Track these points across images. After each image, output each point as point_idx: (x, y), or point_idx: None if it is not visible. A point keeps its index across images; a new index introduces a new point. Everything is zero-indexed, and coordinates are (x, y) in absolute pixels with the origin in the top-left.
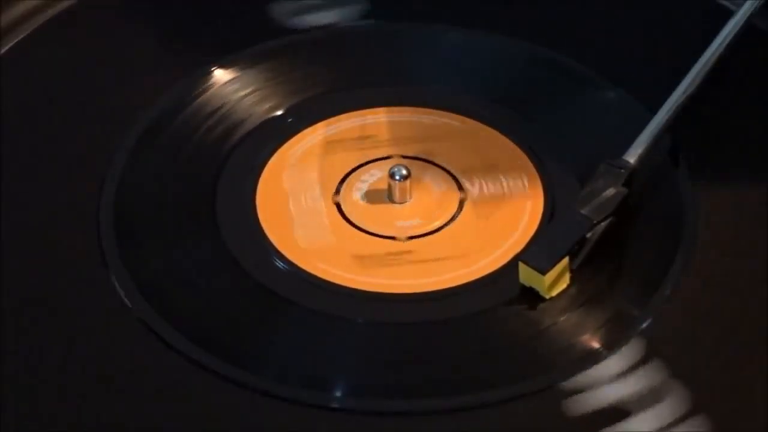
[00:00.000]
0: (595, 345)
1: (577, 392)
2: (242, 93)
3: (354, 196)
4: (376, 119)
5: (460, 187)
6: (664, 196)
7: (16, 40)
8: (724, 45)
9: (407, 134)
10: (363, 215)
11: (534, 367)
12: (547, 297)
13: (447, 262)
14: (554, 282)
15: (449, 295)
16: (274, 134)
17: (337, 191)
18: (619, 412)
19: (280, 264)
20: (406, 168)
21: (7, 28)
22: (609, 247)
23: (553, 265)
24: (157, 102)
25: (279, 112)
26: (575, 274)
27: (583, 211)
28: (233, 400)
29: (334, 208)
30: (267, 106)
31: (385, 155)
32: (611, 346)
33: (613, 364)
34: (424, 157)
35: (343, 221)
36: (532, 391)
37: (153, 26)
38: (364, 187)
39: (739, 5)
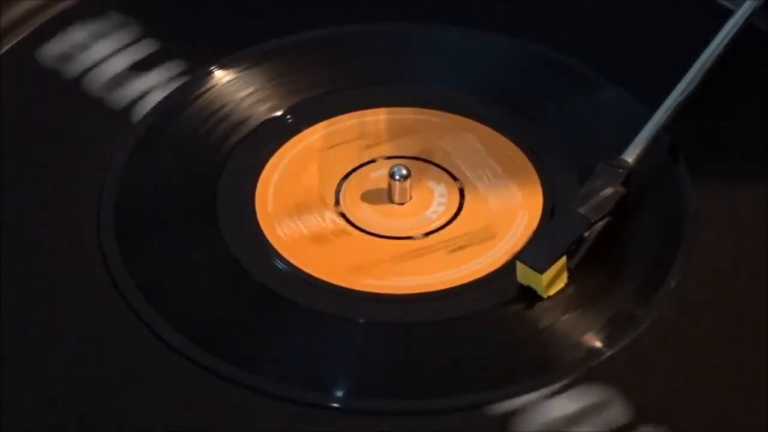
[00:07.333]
0: (596, 344)
1: (577, 392)
2: (243, 93)
3: (354, 196)
4: (376, 119)
5: (460, 187)
6: (664, 196)
7: (16, 40)
8: (724, 45)
9: (407, 134)
10: (362, 215)
11: (534, 367)
12: (545, 296)
13: (446, 262)
14: (552, 281)
15: (449, 295)
16: (274, 134)
17: (337, 191)
18: (617, 411)
19: (280, 264)
20: (406, 168)
21: (7, 28)
22: (609, 247)
23: (551, 264)
24: (158, 102)
25: (279, 112)
26: (575, 273)
27: (580, 211)
28: (233, 400)
29: (334, 207)
30: (267, 106)
31: (385, 155)
32: (611, 345)
33: (613, 363)
34: (424, 157)
35: (343, 221)
36: (531, 391)
37: (153, 26)
38: (364, 187)
39: (739, 5)
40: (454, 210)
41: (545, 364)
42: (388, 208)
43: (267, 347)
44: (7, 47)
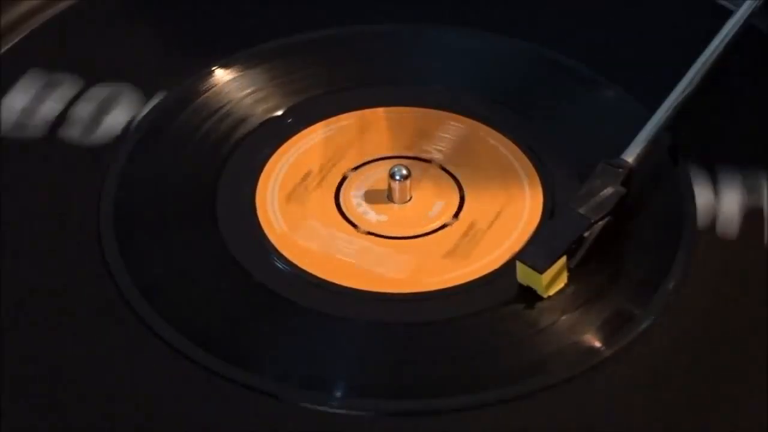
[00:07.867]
0: (595, 344)
1: (577, 392)
2: (243, 93)
3: (354, 196)
4: (376, 119)
5: (460, 187)
6: (664, 196)
7: (16, 40)
8: (724, 45)
9: (407, 134)
10: (362, 215)
11: (534, 367)
12: (545, 296)
13: (446, 262)
14: (552, 281)
15: (449, 295)
16: (274, 134)
17: (337, 191)
18: (617, 410)
19: (280, 264)
20: (406, 168)
21: (7, 28)
22: (609, 247)
23: (550, 264)
24: (158, 102)
25: (279, 112)
26: (575, 273)
27: (580, 211)
28: (233, 400)
29: (334, 207)
30: (267, 106)
31: (385, 155)
32: (611, 345)
33: (613, 363)
34: (424, 157)
35: (343, 221)
36: (531, 391)
37: (153, 26)
38: (364, 187)
39: (739, 5)
40: (453, 210)
41: (545, 364)
42: (388, 208)
43: (267, 347)
44: (7, 47)
